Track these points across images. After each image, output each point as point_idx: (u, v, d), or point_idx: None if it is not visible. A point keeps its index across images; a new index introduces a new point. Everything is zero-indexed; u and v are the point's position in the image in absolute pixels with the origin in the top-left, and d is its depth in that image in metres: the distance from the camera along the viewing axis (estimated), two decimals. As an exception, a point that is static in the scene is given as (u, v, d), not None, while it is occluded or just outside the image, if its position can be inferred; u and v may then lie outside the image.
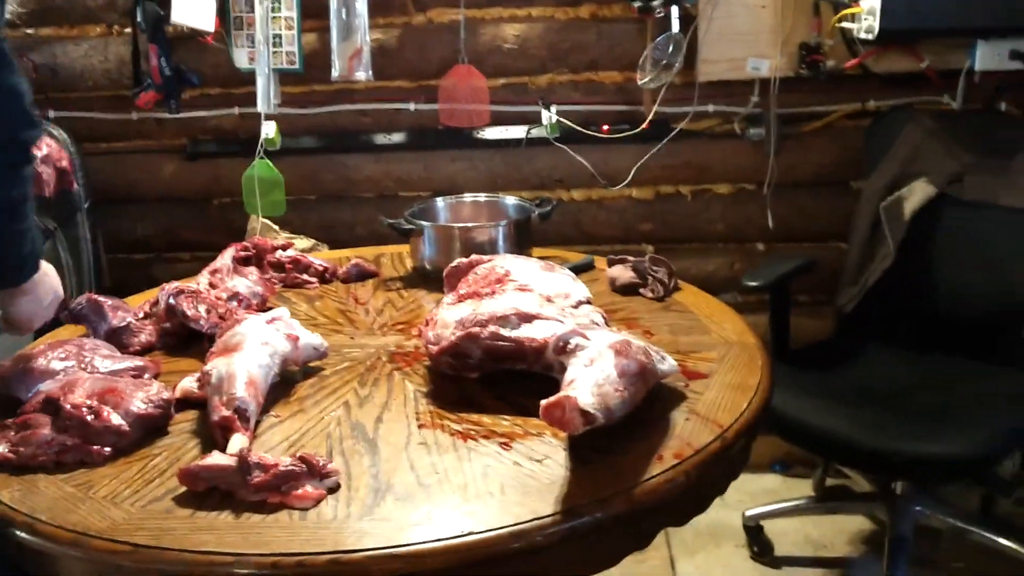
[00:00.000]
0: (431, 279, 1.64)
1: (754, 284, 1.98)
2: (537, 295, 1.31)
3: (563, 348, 1.15)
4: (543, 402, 0.97)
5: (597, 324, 1.29)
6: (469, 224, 1.75)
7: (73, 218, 2.22)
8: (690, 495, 1.03)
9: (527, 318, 1.21)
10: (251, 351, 1.19)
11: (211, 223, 2.47)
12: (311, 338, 1.30)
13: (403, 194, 2.43)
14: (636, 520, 0.97)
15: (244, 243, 1.65)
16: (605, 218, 2.42)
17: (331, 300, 1.61)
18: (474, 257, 1.46)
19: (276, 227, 2.30)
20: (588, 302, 1.37)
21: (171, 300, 1.42)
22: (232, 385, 1.12)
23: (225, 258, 1.60)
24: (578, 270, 1.67)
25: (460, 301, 1.35)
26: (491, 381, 1.22)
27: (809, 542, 2.26)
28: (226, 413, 1.09)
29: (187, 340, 1.41)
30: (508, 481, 0.99)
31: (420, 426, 1.13)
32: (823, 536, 2.27)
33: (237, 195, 2.29)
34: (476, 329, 1.20)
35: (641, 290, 1.56)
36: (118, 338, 1.39)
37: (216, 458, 1.00)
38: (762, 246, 2.45)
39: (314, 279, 1.69)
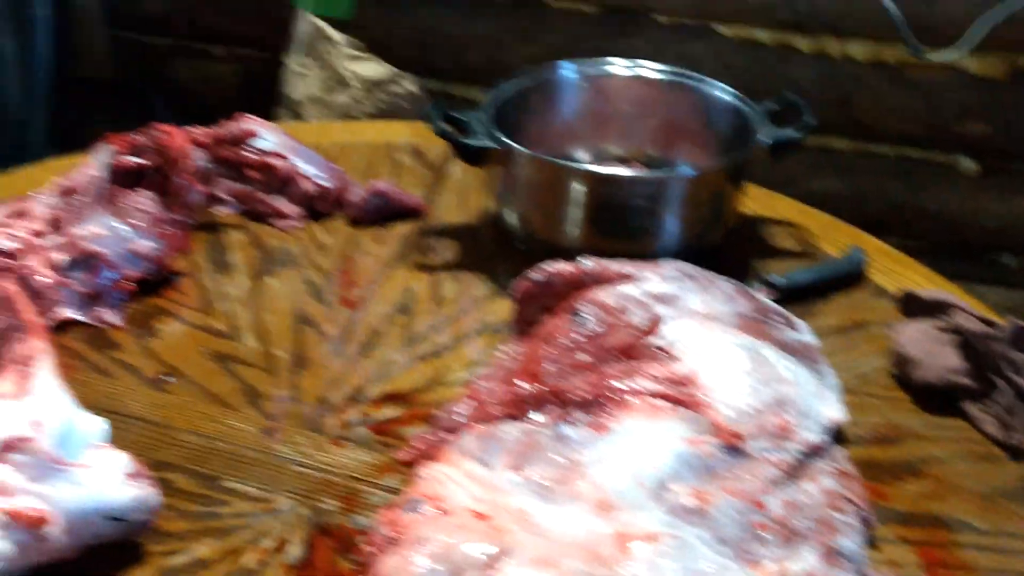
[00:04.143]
0: (516, 252, 0.85)
1: None
2: (706, 424, 0.62)
3: None
4: None
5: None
6: (601, 167, 0.90)
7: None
8: None
9: None
10: None
11: (246, 7, 1.69)
12: (101, 495, 0.56)
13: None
14: None
15: (135, 137, 0.85)
16: (899, 101, 1.48)
17: (292, 276, 0.84)
18: (589, 266, 0.69)
19: (337, 35, 1.51)
20: (829, 443, 0.62)
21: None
22: None
23: (95, 165, 0.84)
24: (815, 287, 0.82)
25: (507, 410, 0.62)
26: None
27: None
28: None
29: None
30: None
31: None
32: None
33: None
34: None
35: (967, 405, 0.70)
36: None
37: None
38: None
39: (292, 210, 0.92)
